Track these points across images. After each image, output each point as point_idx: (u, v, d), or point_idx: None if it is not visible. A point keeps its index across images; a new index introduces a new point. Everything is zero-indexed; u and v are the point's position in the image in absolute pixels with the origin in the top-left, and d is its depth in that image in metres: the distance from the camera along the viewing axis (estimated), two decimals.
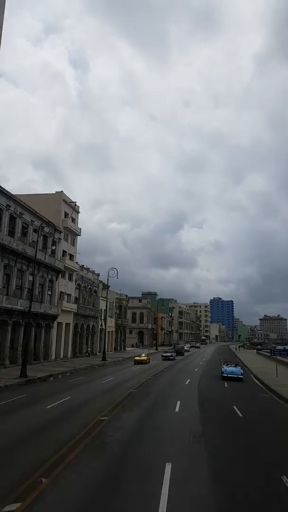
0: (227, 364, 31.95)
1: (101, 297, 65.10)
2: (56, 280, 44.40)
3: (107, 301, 52.01)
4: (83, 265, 54.36)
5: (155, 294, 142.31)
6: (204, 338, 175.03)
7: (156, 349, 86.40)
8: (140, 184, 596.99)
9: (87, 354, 54.21)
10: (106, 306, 51.38)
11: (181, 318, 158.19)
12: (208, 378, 30.23)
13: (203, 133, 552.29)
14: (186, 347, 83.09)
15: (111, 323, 67.50)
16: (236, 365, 31.94)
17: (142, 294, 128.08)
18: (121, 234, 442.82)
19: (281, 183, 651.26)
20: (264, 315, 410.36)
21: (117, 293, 73.83)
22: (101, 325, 56.96)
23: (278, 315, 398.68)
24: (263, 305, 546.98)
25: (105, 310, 62.73)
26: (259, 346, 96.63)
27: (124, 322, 76.62)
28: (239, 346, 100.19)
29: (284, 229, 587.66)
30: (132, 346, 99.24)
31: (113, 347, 68.97)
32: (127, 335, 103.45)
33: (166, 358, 48.92)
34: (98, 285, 60.49)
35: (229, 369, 29.75)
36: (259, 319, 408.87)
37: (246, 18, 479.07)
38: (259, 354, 72.99)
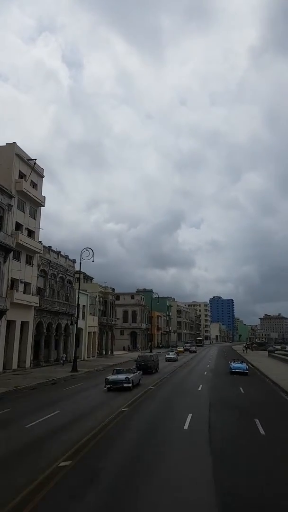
0: (234, 361, 37.62)
1: (80, 290, 52.86)
2: (5, 262, 32.10)
3: (78, 292, 39.71)
4: (50, 247, 42.07)
5: (151, 291, 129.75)
6: (201, 338, 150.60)
7: (151, 351, 74.19)
8: (137, 183, 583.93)
9: (61, 362, 42.09)
10: (78, 298, 38.98)
11: (180, 317, 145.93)
12: (223, 420, 17.83)
13: (200, 131, 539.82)
14: (172, 354, 52.98)
15: (93, 322, 55.22)
16: (242, 362, 37.57)
17: (136, 291, 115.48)
18: (118, 234, 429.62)
19: (279, 182, 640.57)
20: (265, 314, 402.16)
21: (101, 285, 61.47)
22: (71, 323, 44.58)
23: (279, 314, 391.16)
24: (262, 305, 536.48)
25: (82, 306, 50.52)
26: (271, 348, 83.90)
27: (111, 321, 64.26)
28: (246, 348, 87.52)
29: (283, 228, 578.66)
30: (124, 349, 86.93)
31: (96, 351, 56.60)
32: (117, 336, 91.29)
33: (114, 386, 22.79)
34: (74, 275, 48.18)
35: (236, 365, 34.31)
36: (260, 318, 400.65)
37: (241, 10, 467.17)
38: (272, 357, 60.77)
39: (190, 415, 15.47)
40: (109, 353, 64.00)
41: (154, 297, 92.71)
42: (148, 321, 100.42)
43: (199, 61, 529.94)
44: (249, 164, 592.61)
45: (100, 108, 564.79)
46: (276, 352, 68.00)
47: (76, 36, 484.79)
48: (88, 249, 38.44)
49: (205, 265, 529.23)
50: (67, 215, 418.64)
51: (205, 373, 34.75)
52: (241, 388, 24.36)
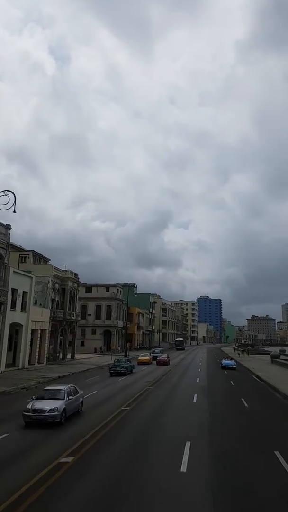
0: (225, 358, 46.12)
1: (21, 270, 38.02)
2: None
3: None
4: None
5: (133, 285, 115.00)
6: (181, 339, 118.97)
7: (125, 355, 59.65)
8: (124, 182, 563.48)
9: None
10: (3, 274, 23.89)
11: (165, 316, 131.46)
12: None
13: (189, 130, 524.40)
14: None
15: (41, 316, 40.32)
16: (231, 359, 46.76)
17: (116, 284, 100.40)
18: (104, 233, 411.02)
19: (267, 184, 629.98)
20: (252, 316, 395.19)
21: (57, 268, 46.42)
22: None
23: (267, 315, 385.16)
24: (248, 306, 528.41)
25: (21, 292, 35.64)
26: (273, 352, 69.73)
27: (71, 315, 49.26)
28: (242, 351, 73.30)
29: (270, 230, 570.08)
30: (95, 352, 72.18)
31: (46, 356, 41.58)
32: (88, 336, 76.70)
33: None
34: (8, 247, 33.28)
35: (225, 361, 42.52)
36: (247, 319, 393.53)
37: (232, 5, 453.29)
38: (278, 364, 46.89)
39: None
40: (69, 357, 49.13)
41: (133, 291, 78.19)
42: (126, 318, 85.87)
43: (189, 57, 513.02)
44: (237, 165, 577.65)
45: (87, 103, 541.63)
46: (281, 357, 53.98)
47: (64, 28, 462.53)
48: (7, 191, 23.70)
49: (192, 266, 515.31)
50: (51, 212, 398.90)
51: None
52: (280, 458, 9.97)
